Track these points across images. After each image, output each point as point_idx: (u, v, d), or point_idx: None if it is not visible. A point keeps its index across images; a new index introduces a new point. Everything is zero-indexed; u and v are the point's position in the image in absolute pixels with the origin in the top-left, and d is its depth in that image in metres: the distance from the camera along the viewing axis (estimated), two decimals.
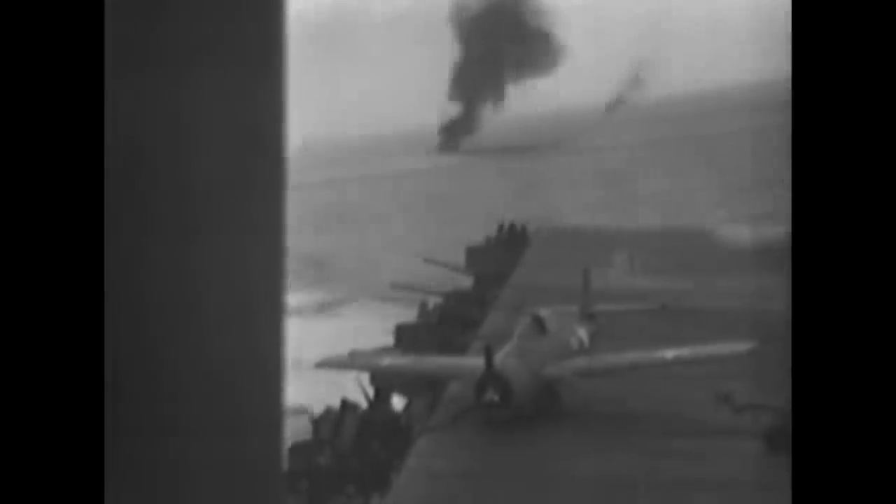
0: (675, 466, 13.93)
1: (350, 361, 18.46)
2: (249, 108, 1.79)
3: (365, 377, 19.28)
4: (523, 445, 14.84)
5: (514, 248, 30.40)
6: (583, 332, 17.70)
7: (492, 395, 14.91)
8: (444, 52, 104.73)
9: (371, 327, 28.88)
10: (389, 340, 22.79)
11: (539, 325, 16.69)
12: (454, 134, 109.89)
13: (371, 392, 19.33)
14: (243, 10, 1.76)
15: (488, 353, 15.12)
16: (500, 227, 32.40)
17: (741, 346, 15.82)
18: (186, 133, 1.74)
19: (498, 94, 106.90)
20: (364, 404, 19.10)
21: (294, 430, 16.52)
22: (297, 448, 17.27)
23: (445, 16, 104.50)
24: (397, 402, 19.47)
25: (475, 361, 15.88)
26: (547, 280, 24.06)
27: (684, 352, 16.31)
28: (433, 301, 25.76)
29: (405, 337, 22.57)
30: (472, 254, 30.67)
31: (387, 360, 19.07)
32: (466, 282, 28.18)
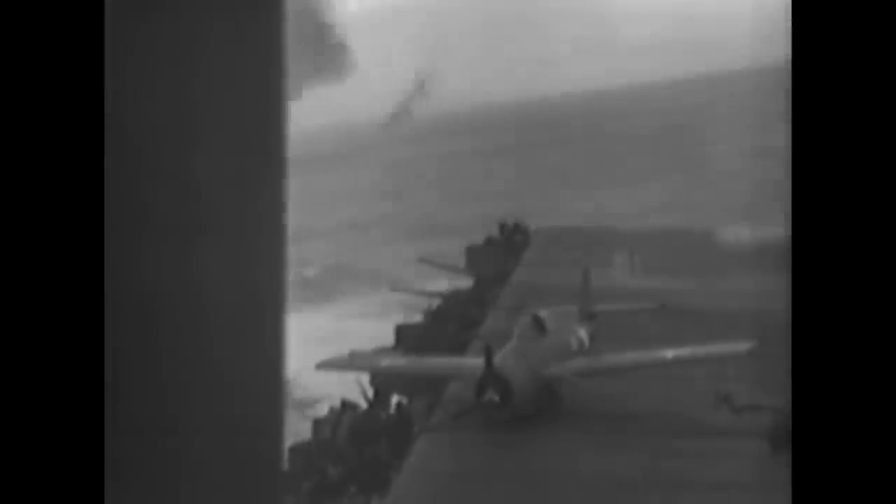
0: (674, 466, 13.92)
1: (350, 362, 18.44)
2: (251, 107, 1.79)
3: (365, 378, 19.28)
4: (523, 445, 14.83)
5: (514, 248, 30.37)
6: (583, 332, 17.69)
7: (492, 395, 14.90)
8: None
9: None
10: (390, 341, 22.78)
11: (539, 325, 16.67)
12: None
13: (371, 392, 19.33)
14: (244, 9, 1.76)
15: (488, 353, 15.11)
16: (502, 227, 32.35)
17: (741, 346, 15.80)
18: (187, 132, 1.74)
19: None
20: (364, 405, 19.11)
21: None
22: (297, 448, 17.28)
23: None
24: (397, 402, 19.45)
25: (475, 361, 15.86)
26: (547, 280, 24.05)
27: (684, 352, 16.29)
28: (434, 302, 25.73)
29: (405, 337, 22.54)
30: (472, 254, 30.60)
31: (386, 361, 19.06)
32: (467, 282, 28.14)
